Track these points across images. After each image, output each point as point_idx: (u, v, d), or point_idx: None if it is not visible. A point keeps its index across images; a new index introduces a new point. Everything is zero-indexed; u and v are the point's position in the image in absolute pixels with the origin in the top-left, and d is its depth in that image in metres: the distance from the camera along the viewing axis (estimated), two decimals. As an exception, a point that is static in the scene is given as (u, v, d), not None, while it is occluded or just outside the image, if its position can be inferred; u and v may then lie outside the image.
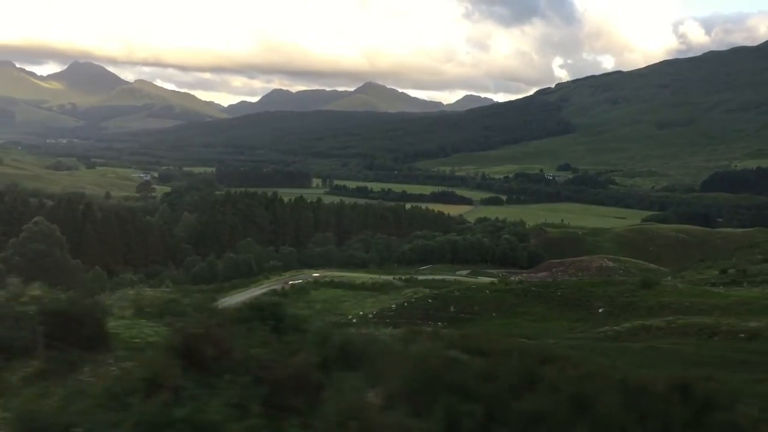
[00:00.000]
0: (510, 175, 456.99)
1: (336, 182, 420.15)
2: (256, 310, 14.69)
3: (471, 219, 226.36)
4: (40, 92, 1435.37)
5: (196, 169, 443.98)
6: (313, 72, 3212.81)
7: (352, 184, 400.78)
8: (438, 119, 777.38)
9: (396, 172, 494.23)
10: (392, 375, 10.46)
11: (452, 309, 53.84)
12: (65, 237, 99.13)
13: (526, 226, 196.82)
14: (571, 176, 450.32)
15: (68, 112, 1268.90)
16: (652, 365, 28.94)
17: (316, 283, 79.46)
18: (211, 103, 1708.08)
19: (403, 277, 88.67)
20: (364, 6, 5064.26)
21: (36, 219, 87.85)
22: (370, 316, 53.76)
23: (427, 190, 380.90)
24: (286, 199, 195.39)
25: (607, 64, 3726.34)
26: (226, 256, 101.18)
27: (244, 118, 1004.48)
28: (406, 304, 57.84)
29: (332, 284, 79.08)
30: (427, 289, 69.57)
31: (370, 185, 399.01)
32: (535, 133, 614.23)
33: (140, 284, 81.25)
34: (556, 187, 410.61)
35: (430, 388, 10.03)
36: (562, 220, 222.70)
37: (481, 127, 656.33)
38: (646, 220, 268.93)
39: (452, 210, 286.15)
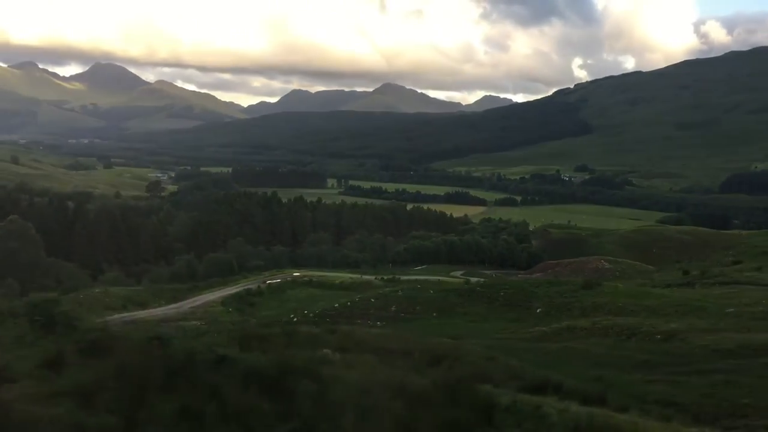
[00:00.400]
0: (526, 176, 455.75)
1: (351, 183, 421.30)
2: (29, 307, 14.18)
3: (483, 220, 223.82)
4: (63, 93, 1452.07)
5: (214, 169, 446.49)
6: (333, 72, 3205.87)
7: (367, 185, 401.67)
8: (455, 120, 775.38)
9: (412, 172, 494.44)
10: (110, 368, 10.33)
11: (393, 309, 53.40)
12: (55, 236, 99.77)
13: (534, 227, 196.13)
14: (587, 177, 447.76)
15: (90, 112, 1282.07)
16: (550, 365, 28.89)
17: (294, 283, 79.30)
18: (231, 104, 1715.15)
19: (385, 277, 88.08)
20: (382, 6, 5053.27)
21: (11, 217, 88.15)
22: (311, 315, 53.39)
23: (442, 190, 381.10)
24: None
25: (628, 64, 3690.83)
26: (207, 255, 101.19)
27: (262, 118, 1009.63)
28: (349, 303, 57.39)
29: (310, 284, 78.93)
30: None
31: (385, 186, 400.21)
32: (553, 134, 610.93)
33: (108, 284, 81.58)
34: (572, 188, 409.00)
35: (130, 383, 9.81)
36: (569, 221, 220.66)
37: (498, 128, 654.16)
38: (660, 221, 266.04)
39: (465, 211, 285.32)
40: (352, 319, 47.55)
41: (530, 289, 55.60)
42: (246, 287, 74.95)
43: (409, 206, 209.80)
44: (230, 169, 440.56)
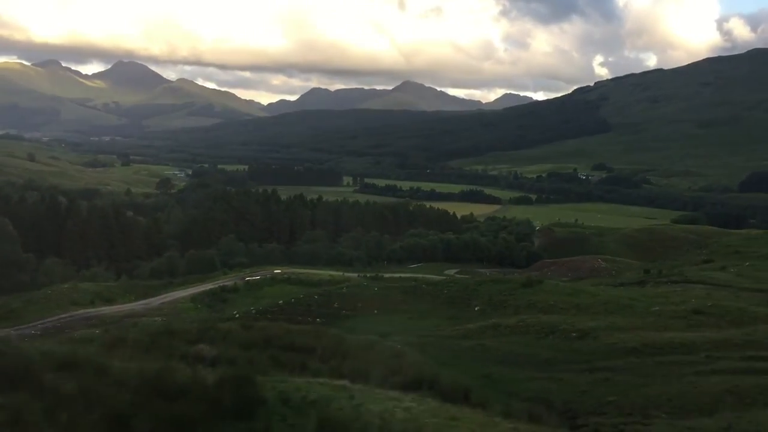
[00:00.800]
0: (543, 175, 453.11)
1: (367, 181, 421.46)
2: None
3: (487, 218, 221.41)
4: (85, 91, 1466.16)
5: (231, 167, 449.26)
6: (352, 70, 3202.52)
7: (382, 183, 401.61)
8: (474, 118, 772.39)
9: (428, 171, 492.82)
10: None
11: (336, 305, 53.30)
12: (45, 232, 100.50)
13: (540, 226, 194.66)
14: (604, 176, 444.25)
15: (112, 110, 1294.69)
16: (453, 362, 29.56)
17: (273, 280, 78.93)
18: (251, 102, 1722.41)
19: (369, 274, 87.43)
20: (401, 4, 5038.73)
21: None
22: (254, 311, 53.33)
23: (457, 189, 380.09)
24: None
25: (650, 61, 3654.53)
26: (188, 252, 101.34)
27: (281, 116, 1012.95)
28: (293, 300, 57.24)
29: (289, 281, 78.46)
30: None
31: (400, 184, 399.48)
32: (572, 132, 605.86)
33: (87, 280, 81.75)
34: (588, 187, 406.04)
35: None
36: (576, 220, 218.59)
37: (516, 126, 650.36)
38: (674, 220, 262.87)
39: (480, 209, 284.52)
40: (294, 316, 47.51)
41: (473, 287, 55.47)
42: (222, 284, 74.68)
43: (412, 205, 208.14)
44: (246, 167, 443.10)
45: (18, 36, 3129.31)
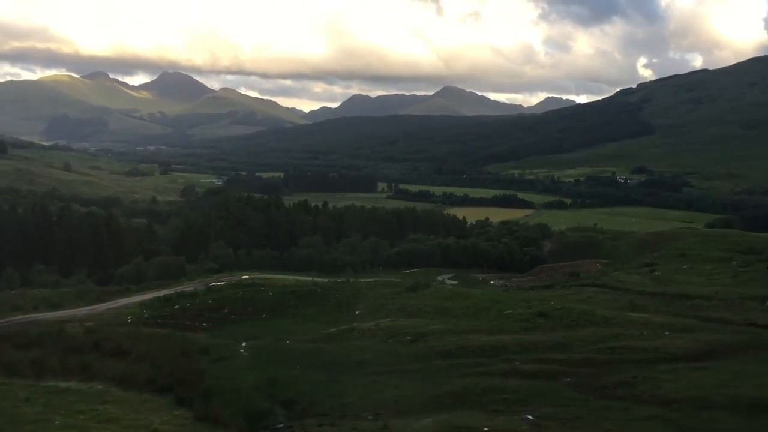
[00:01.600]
0: (580, 179, 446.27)
1: (401, 186, 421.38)
2: None
3: (500, 223, 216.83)
4: (132, 101, 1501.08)
5: (269, 174, 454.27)
6: (392, 77, 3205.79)
7: (416, 189, 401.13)
8: (513, 122, 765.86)
9: (464, 176, 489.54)
10: None
11: (226, 310, 53.18)
12: (33, 240, 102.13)
13: (558, 229, 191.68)
14: (644, 179, 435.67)
15: (158, 120, 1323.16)
16: (268, 364, 30.87)
17: (237, 285, 78.07)
18: (293, 110, 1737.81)
19: (339, 280, 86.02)
20: (439, 9, 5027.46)
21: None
22: (146, 316, 53.33)
23: (490, 193, 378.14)
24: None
25: (696, 62, 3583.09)
26: (155, 259, 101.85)
27: (322, 123, 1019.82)
28: (188, 304, 57.03)
29: (251, 286, 77.50)
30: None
31: (434, 189, 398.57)
32: (613, 135, 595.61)
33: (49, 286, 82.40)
34: (626, 191, 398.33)
35: None
36: (595, 224, 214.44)
37: (556, 130, 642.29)
38: (708, 224, 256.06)
39: (512, 214, 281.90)
40: (183, 321, 47.51)
41: (364, 290, 55.16)
42: (181, 290, 73.93)
43: (424, 209, 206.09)
44: (282, 174, 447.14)
45: (66, 49, 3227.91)
